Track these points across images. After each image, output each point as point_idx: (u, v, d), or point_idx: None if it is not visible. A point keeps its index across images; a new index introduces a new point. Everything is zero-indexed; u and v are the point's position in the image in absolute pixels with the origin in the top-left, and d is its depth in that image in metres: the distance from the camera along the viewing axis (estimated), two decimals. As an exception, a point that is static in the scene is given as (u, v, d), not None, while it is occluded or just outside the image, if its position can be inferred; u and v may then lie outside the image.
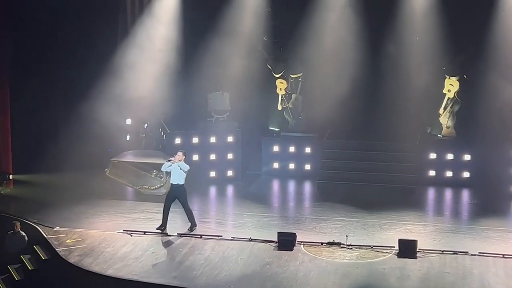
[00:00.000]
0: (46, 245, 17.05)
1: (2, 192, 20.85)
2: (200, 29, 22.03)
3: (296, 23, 21.70)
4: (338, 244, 16.73)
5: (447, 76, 21.37)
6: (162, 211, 17.69)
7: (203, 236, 17.31)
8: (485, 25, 20.62)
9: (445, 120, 21.70)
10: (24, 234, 17.37)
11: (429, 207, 20.20)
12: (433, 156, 21.53)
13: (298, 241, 16.82)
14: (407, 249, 16.22)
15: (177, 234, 17.49)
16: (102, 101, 21.02)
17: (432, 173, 21.50)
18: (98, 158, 21.17)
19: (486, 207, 19.48)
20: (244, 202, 20.17)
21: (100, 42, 21.76)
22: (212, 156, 22.04)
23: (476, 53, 20.77)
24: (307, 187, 21.74)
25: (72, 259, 16.15)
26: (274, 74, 22.54)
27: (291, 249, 16.53)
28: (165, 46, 21.95)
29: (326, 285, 14.90)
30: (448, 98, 21.48)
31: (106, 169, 20.76)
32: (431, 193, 21.02)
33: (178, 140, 21.78)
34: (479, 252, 16.17)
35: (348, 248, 16.58)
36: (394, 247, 16.44)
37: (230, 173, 22.12)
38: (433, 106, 21.70)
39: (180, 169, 17.49)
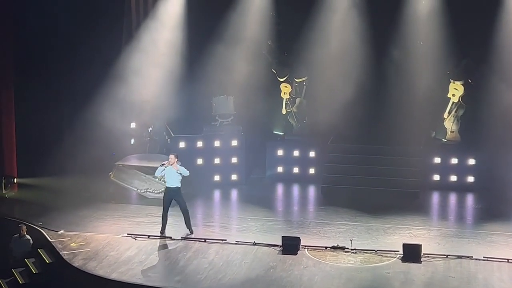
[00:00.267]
0: (50, 248, 17.07)
1: (6, 196, 20.88)
2: (205, 33, 22.06)
3: (301, 28, 21.72)
4: (343, 248, 16.72)
5: (452, 81, 21.37)
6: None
7: (207, 240, 17.31)
8: (490, 29, 20.61)
9: (449, 124, 21.68)
10: (29, 237, 17.40)
11: (433, 211, 20.19)
12: (437, 160, 21.51)
13: (302, 245, 16.81)
14: (412, 253, 16.20)
15: (181, 238, 17.50)
16: (107, 105, 21.06)
17: (436, 177, 21.47)
18: (102, 162, 21.19)
19: (491, 212, 19.44)
20: (248, 206, 20.16)
21: (105, 46, 21.79)
22: (216, 160, 22.04)
23: (480, 57, 20.76)
24: (311, 191, 21.72)
25: (76, 263, 16.15)
26: (279, 78, 22.57)
27: (295, 253, 16.52)
28: (169, 50, 21.97)
29: (330, 290, 14.92)
30: (453, 102, 21.48)
31: (110, 173, 20.79)
32: (435, 197, 20.99)
33: (182, 144, 21.77)
34: (484, 257, 16.14)
35: (353, 253, 16.56)
36: (398, 251, 16.43)
37: (234, 177, 22.11)
38: (437, 111, 21.70)
39: (180, 173, 17.49)
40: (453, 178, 21.35)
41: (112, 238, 17.53)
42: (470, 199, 20.75)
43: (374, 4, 21.49)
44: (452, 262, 16.02)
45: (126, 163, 20.91)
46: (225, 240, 17.29)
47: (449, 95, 21.49)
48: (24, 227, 17.47)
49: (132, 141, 22.52)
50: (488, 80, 20.71)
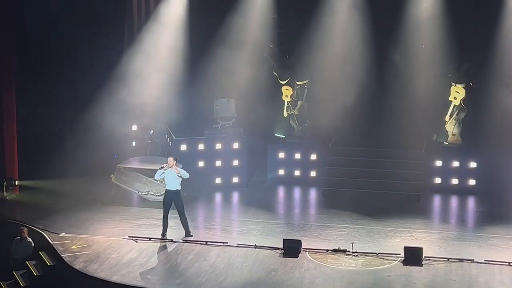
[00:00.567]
0: (51, 251, 17.07)
1: (8, 198, 20.89)
2: (206, 36, 22.10)
3: (302, 31, 21.73)
4: (344, 251, 16.71)
5: (453, 84, 21.37)
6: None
7: (208, 243, 17.30)
8: (491, 32, 20.61)
9: (451, 127, 21.68)
10: (30, 240, 17.40)
11: (434, 214, 20.18)
12: (439, 163, 21.50)
13: (303, 248, 16.80)
14: (413, 256, 16.18)
15: (182, 240, 17.50)
16: (108, 107, 21.05)
17: (438, 180, 21.45)
18: (103, 164, 21.19)
19: (492, 215, 19.43)
20: (249, 209, 20.16)
21: (106, 49, 21.82)
22: (218, 163, 22.04)
23: (482, 60, 20.76)
24: (313, 194, 21.71)
25: (78, 265, 16.15)
26: (280, 81, 22.57)
27: (297, 256, 16.51)
28: (171, 53, 21.96)
29: (331, 292, 14.92)
30: (454, 105, 21.47)
31: (111, 175, 20.79)
32: (436, 200, 20.97)
33: (183, 147, 21.79)
34: (485, 260, 16.12)
35: (354, 255, 16.55)
36: (399, 254, 16.41)
37: (235, 179, 22.11)
38: (439, 114, 21.70)
39: (180, 176, 17.49)
40: (455, 181, 21.34)
41: (113, 240, 17.53)
42: (471, 202, 20.73)
43: (376, 7, 21.49)
44: (453, 265, 16.01)
45: (128, 166, 20.91)
46: (226, 242, 17.28)
47: (450, 98, 21.49)
48: (25, 230, 17.47)
49: (134, 143, 22.52)
50: (489, 83, 20.70)
